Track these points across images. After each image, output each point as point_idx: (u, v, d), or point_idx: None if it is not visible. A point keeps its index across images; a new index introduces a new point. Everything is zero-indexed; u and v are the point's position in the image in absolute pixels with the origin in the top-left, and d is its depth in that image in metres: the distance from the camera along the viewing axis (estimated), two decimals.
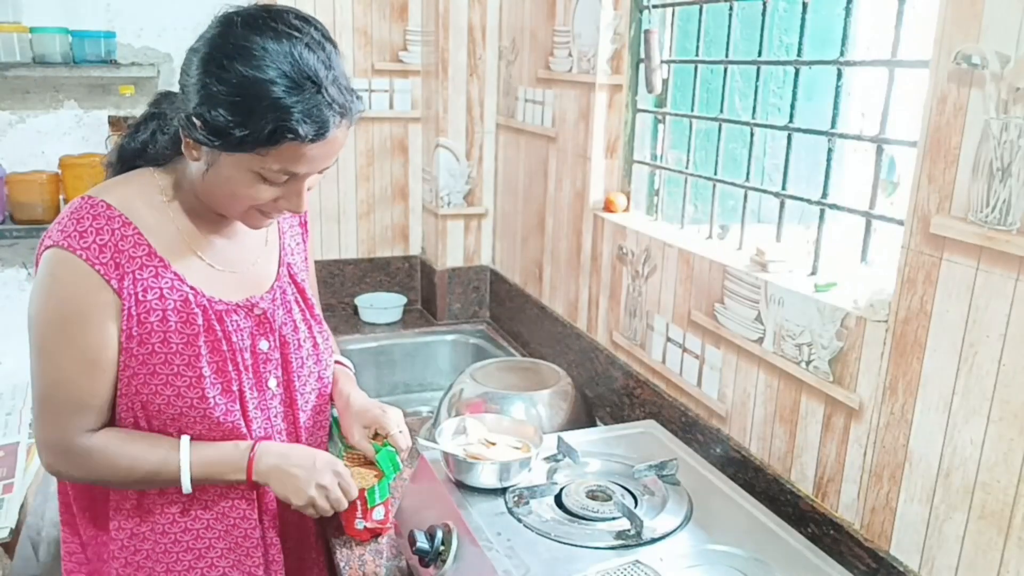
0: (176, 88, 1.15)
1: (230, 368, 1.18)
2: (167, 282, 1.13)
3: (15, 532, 1.71)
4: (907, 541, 1.12)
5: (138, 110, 2.32)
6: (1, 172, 2.23)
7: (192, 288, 1.15)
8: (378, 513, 1.38)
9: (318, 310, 1.37)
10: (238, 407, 1.19)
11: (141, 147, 1.20)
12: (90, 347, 1.10)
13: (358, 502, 1.36)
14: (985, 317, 0.99)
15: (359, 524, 1.38)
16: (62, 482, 1.23)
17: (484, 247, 2.61)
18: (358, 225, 2.66)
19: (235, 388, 1.19)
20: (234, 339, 1.19)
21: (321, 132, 1.03)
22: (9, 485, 1.82)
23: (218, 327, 1.17)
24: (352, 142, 2.58)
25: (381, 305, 2.60)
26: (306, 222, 1.41)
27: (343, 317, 2.59)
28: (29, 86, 2.27)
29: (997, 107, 0.96)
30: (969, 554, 1.03)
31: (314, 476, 1.20)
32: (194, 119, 1.04)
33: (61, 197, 2.27)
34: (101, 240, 1.09)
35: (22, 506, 1.77)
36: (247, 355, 1.20)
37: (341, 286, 2.65)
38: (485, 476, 1.23)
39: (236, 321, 1.19)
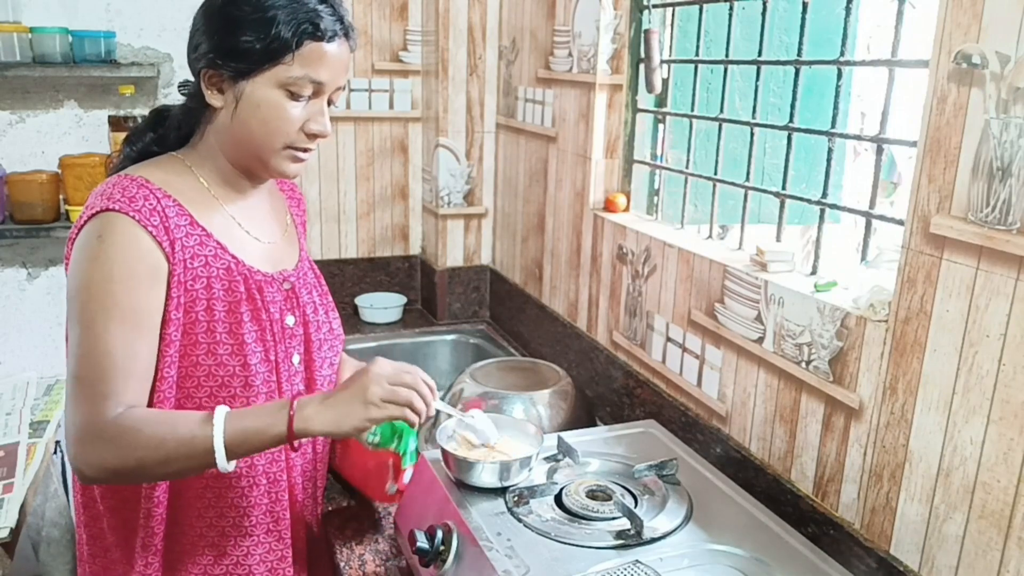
0: (169, 98, 1.17)
1: (268, 337, 1.18)
2: (211, 250, 1.15)
3: (15, 532, 1.71)
4: (907, 541, 1.12)
5: (138, 110, 2.33)
6: (1, 172, 2.23)
7: (233, 257, 1.17)
8: (407, 476, 1.36)
9: (331, 299, 1.38)
10: (275, 377, 1.20)
11: (150, 143, 1.22)
12: (136, 310, 1.07)
13: (390, 465, 1.34)
14: (985, 317, 0.99)
15: (391, 488, 1.36)
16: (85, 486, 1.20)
17: (484, 247, 2.61)
18: (358, 225, 2.66)
19: (272, 358, 1.19)
20: (271, 310, 1.20)
21: (335, 31, 1.12)
22: (9, 485, 1.82)
23: (257, 296, 1.18)
24: (352, 142, 2.58)
25: (381, 305, 2.61)
26: (304, 222, 1.42)
27: (343, 317, 2.56)
28: (29, 86, 2.27)
29: (997, 107, 0.96)
30: (969, 554, 1.03)
31: (361, 395, 1.07)
32: (216, 58, 1.11)
33: (61, 197, 2.27)
34: (149, 205, 1.09)
35: (22, 506, 1.77)
36: (278, 327, 1.21)
37: (341, 286, 2.65)
38: (485, 476, 1.23)
39: (271, 293, 1.21)
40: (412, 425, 1.12)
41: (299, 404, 1.07)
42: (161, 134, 1.23)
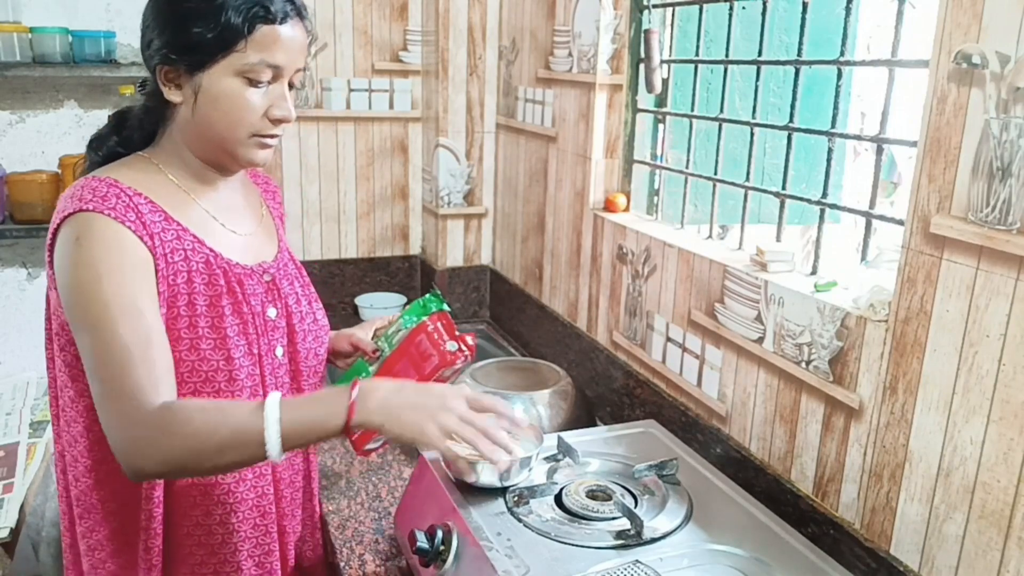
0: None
1: (250, 331, 1.17)
2: (188, 244, 1.13)
3: (15, 532, 1.71)
4: (907, 541, 1.12)
5: None
6: (1, 172, 2.23)
7: (211, 250, 1.16)
8: (444, 331, 1.32)
9: (313, 290, 1.37)
10: (259, 371, 1.19)
11: (114, 146, 1.20)
12: (135, 302, 1.04)
13: (437, 327, 1.29)
14: (985, 317, 0.99)
15: (451, 345, 1.30)
16: (70, 497, 1.18)
17: (484, 247, 2.61)
18: (358, 225, 2.66)
19: (255, 351, 1.18)
20: (252, 302, 1.19)
21: (286, 12, 1.10)
22: (9, 485, 1.82)
23: (238, 289, 1.17)
24: (352, 142, 2.58)
25: (381, 305, 2.60)
26: (282, 215, 1.42)
27: (343, 317, 2.59)
28: (29, 86, 2.27)
29: (997, 107, 0.96)
30: (969, 554, 1.03)
31: (430, 405, 1.05)
32: (169, 54, 1.09)
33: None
34: (123, 203, 1.07)
35: (22, 506, 1.77)
36: (260, 320, 1.20)
37: (341, 286, 2.65)
38: (485, 476, 1.23)
39: (252, 285, 1.19)
40: (465, 475, 1.11)
41: (361, 394, 1.03)
42: (125, 136, 1.21)
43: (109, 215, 1.05)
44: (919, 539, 1.10)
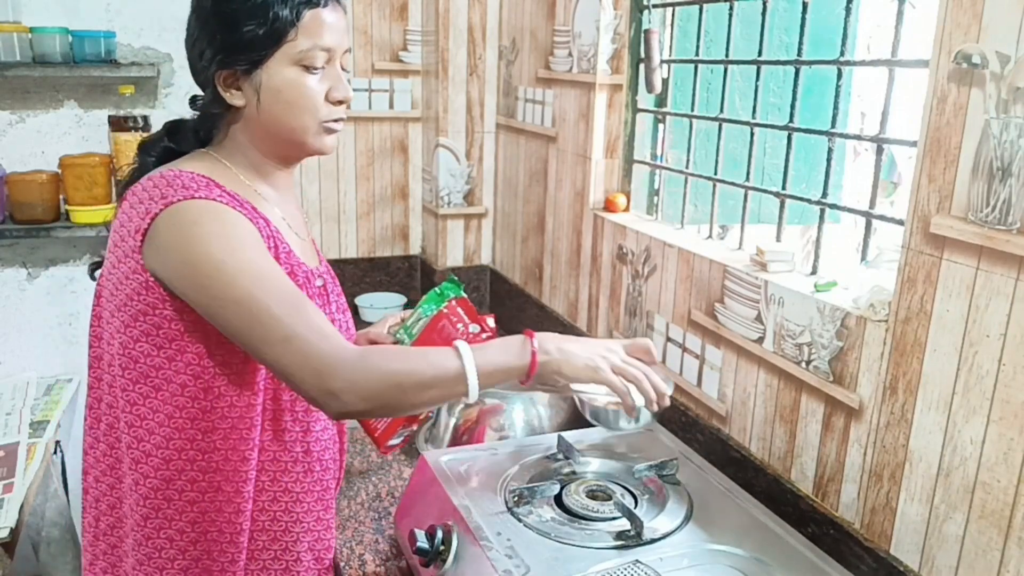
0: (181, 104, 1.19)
1: None
2: (268, 236, 1.15)
3: (15, 532, 1.71)
4: (907, 541, 1.12)
5: (138, 110, 2.33)
6: (1, 172, 2.23)
7: (286, 244, 1.18)
8: (463, 314, 1.38)
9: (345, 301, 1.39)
10: None
11: (167, 146, 1.21)
12: (271, 267, 1.06)
13: (462, 311, 1.36)
14: (985, 317, 0.99)
15: (473, 327, 1.36)
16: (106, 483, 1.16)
17: (484, 247, 2.61)
18: (358, 225, 2.66)
19: None
20: (317, 303, 1.20)
21: None
22: (9, 485, 1.82)
23: (307, 287, 1.19)
24: (352, 142, 2.58)
25: (381, 305, 2.60)
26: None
27: None
28: (29, 86, 2.27)
29: (997, 107, 0.96)
30: (969, 554, 1.03)
31: (596, 349, 1.13)
32: (225, 58, 1.11)
33: (61, 197, 2.27)
34: (225, 193, 1.09)
35: (22, 506, 1.77)
36: None
37: (341, 286, 2.65)
38: (622, 419, 1.20)
39: (312, 287, 1.21)
40: (630, 412, 1.13)
41: (539, 340, 1.10)
42: (178, 139, 1.22)
43: (221, 201, 1.07)
44: (919, 539, 1.10)
